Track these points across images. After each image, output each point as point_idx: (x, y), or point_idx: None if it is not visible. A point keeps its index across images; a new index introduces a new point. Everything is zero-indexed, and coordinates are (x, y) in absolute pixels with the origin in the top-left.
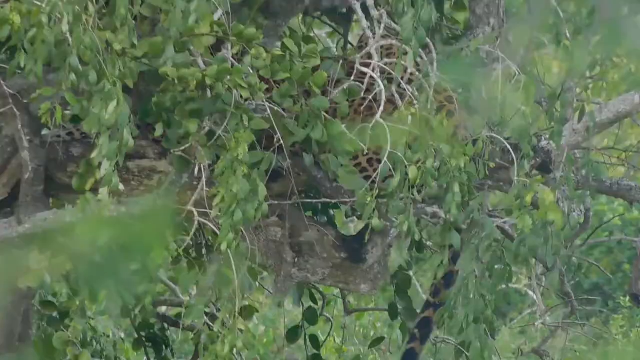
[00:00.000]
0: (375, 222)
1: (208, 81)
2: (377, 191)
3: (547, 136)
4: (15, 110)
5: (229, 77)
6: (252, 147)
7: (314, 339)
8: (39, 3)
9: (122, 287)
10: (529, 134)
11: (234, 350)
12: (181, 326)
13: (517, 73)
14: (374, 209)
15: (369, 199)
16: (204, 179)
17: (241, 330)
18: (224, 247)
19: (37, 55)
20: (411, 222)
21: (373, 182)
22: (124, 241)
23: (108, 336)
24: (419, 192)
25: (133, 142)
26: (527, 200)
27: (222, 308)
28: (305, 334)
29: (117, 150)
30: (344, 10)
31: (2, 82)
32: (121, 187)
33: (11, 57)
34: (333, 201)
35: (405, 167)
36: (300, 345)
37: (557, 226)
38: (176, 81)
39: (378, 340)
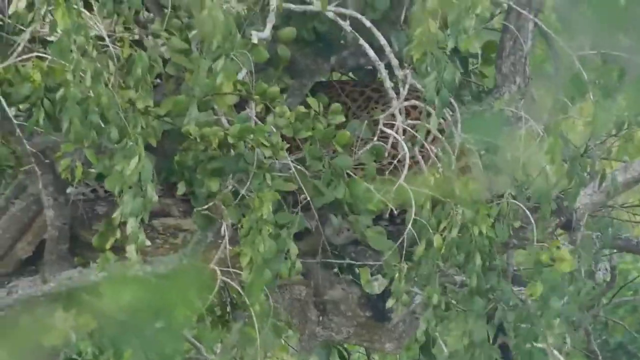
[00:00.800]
0: (405, 298)
1: (230, 140)
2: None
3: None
4: (37, 169)
5: (251, 135)
6: (279, 205)
7: None
8: (61, 61)
9: (147, 345)
10: (550, 196)
11: None
12: None
13: (541, 133)
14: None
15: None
16: (226, 238)
17: None
18: (257, 308)
19: (71, 114)
20: (437, 292)
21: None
22: (149, 300)
23: None
24: (445, 261)
25: (157, 198)
26: (544, 260)
27: None
28: None
29: (142, 207)
30: (370, 67)
31: (25, 140)
32: (148, 243)
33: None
34: (357, 263)
35: (430, 232)
36: None
37: (565, 269)
38: (198, 139)
39: None
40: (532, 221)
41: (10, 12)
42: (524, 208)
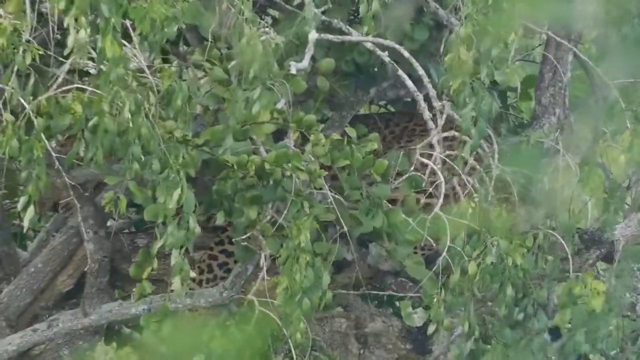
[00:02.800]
0: (446, 322)
1: (267, 166)
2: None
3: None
4: (76, 202)
5: (288, 163)
6: (317, 236)
7: None
8: (101, 92)
9: None
10: (574, 230)
11: None
12: None
13: (574, 168)
14: (442, 302)
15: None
16: (264, 269)
17: None
18: (298, 338)
19: (98, 144)
20: (472, 320)
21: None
22: (189, 333)
23: None
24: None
25: (199, 229)
26: (576, 291)
27: None
28: None
29: (185, 238)
30: (409, 99)
31: (64, 173)
32: (192, 274)
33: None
34: (398, 294)
35: (464, 260)
36: None
37: (596, 305)
38: (235, 167)
39: None
40: (568, 252)
41: (70, 44)
42: (560, 238)
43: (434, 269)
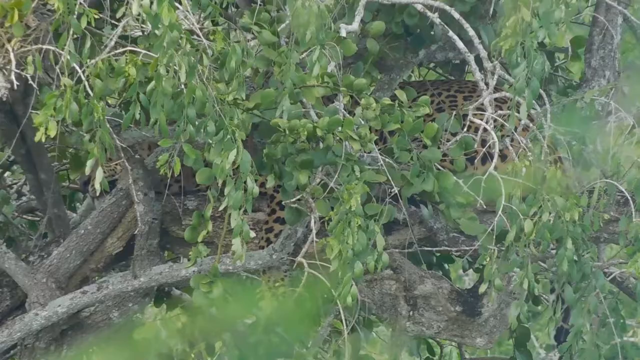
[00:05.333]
0: (498, 282)
1: (319, 132)
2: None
3: None
4: (127, 164)
5: (340, 128)
6: (367, 197)
7: None
8: (154, 55)
9: (238, 339)
10: None
11: None
12: None
13: (633, 125)
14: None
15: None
16: (314, 231)
17: None
18: (348, 300)
19: (159, 107)
20: (530, 278)
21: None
22: (240, 295)
23: None
24: (537, 247)
25: (258, 190)
26: None
27: None
28: None
29: (243, 199)
30: (457, 61)
31: (115, 135)
32: (252, 234)
33: (125, 110)
34: (453, 249)
35: (521, 219)
36: None
37: None
38: (287, 132)
39: None
40: (632, 208)
41: (134, 13)
42: (625, 192)
43: (491, 227)
